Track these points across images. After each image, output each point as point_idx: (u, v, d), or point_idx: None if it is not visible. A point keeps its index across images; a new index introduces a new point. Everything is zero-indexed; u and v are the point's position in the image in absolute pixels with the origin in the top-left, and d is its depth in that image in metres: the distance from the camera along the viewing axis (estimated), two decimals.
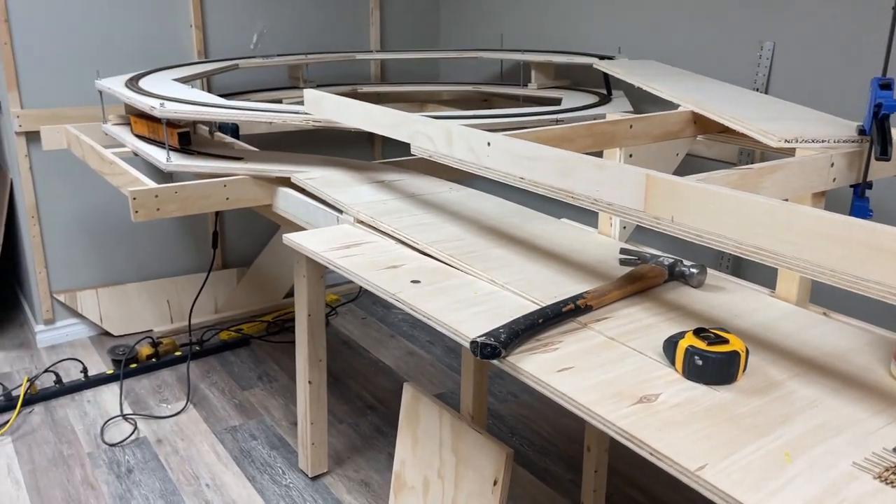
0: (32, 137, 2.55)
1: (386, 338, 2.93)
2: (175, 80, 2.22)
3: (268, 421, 2.35)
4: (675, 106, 1.67)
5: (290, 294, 3.20)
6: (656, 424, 0.92)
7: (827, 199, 1.36)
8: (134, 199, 1.68)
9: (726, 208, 0.98)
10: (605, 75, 2.38)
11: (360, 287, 3.33)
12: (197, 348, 2.73)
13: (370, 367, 2.70)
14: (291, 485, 2.05)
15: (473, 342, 1.07)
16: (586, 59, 2.36)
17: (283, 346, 2.86)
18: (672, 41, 2.39)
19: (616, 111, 2.14)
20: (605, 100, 2.30)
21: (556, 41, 2.79)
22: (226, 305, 3.04)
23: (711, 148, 2.20)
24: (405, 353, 2.81)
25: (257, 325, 2.97)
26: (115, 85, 2.11)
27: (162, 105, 1.80)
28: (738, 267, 2.24)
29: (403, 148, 3.23)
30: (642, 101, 2.46)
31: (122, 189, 1.91)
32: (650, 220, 1.08)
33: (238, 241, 3.09)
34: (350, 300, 3.26)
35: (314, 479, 2.07)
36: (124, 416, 2.35)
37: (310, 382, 1.97)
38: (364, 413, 2.41)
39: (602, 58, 2.33)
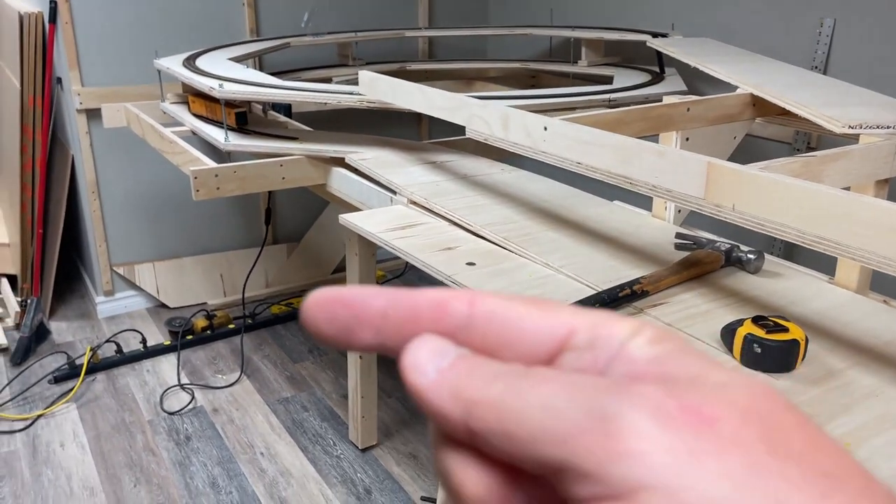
0: (92, 115, 2.62)
1: None
2: (230, 59, 2.26)
3: (318, 393, 2.42)
4: (733, 87, 1.65)
5: (339, 269, 3.26)
6: None
7: (890, 187, 1.34)
8: (195, 178, 1.72)
9: (790, 198, 0.98)
10: (658, 53, 2.34)
11: (406, 263, 3.36)
12: (249, 321, 2.80)
13: None
14: (342, 456, 2.11)
15: None
16: (639, 36, 2.33)
17: None
18: (726, 16, 2.34)
19: (669, 90, 2.11)
20: (657, 78, 2.27)
21: (606, 16, 2.75)
22: (276, 280, 3.11)
23: (767, 128, 2.17)
24: None
25: None
26: (173, 65, 2.16)
27: (221, 86, 1.84)
28: (791, 251, 2.21)
29: (451, 126, 3.23)
30: (696, 78, 2.42)
31: (182, 168, 1.97)
32: (710, 208, 1.08)
33: (288, 217, 3.15)
34: (395, 276, 3.30)
35: (364, 450, 2.13)
36: (182, 386, 2.44)
37: (360, 357, 2.01)
38: None
39: (655, 35, 2.30)
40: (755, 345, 1.01)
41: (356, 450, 2.14)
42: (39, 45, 2.59)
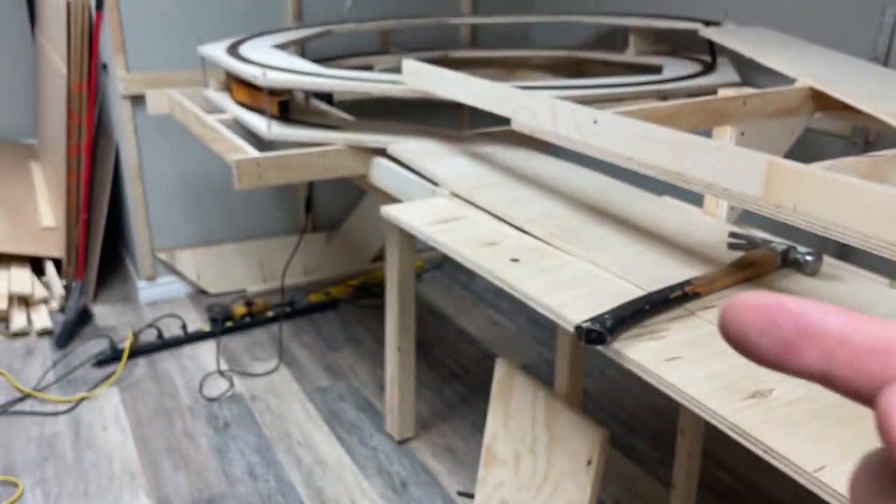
0: (137, 101, 2.64)
1: (469, 306, 2.94)
2: (273, 46, 2.25)
3: (355, 383, 2.41)
4: (790, 79, 1.58)
5: (377, 258, 3.25)
6: (771, 421, 0.89)
7: None
8: (238, 167, 1.72)
9: (856, 200, 0.92)
10: (710, 42, 2.27)
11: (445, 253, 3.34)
12: (288, 309, 2.81)
13: (454, 335, 2.73)
14: (379, 447, 2.10)
15: (578, 327, 1.06)
16: (690, 24, 2.26)
17: (370, 310, 2.91)
18: (780, 4, 2.25)
19: (722, 81, 2.04)
20: (709, 68, 2.20)
21: (654, 3, 2.67)
22: (315, 268, 3.11)
23: (822, 121, 2.08)
24: (489, 321, 2.82)
25: (344, 288, 3.04)
26: (216, 52, 2.16)
27: (264, 74, 1.83)
28: (844, 251, 2.13)
29: (492, 115, 3.19)
30: (749, 68, 2.34)
31: (224, 156, 1.97)
32: (769, 208, 1.03)
33: (327, 205, 3.14)
34: (434, 267, 3.28)
35: (401, 443, 2.12)
36: (221, 373, 2.46)
37: (399, 349, 2.00)
38: (448, 380, 2.44)
39: (707, 23, 2.23)
40: None
41: (392, 442, 2.12)
42: (86, 30, 2.61)
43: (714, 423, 0.91)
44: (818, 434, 0.87)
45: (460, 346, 2.65)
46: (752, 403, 0.92)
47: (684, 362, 1.01)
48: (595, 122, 1.28)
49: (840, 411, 0.91)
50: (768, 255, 1.24)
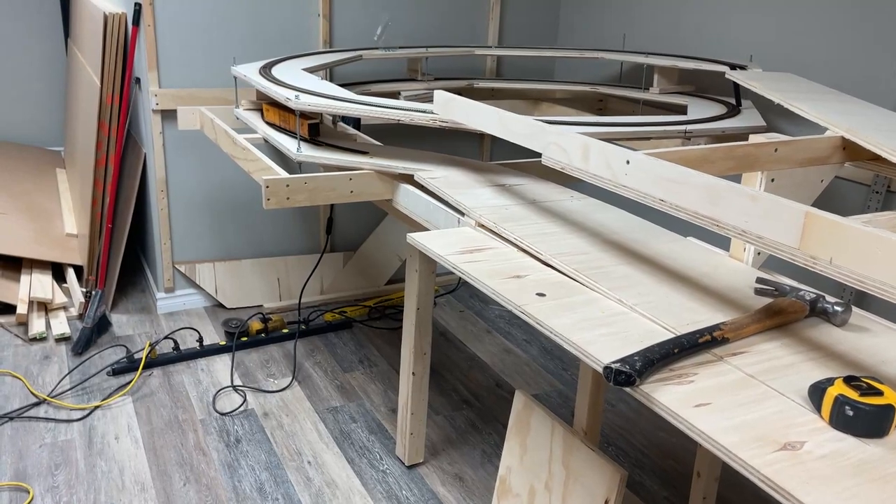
0: (167, 115, 2.68)
1: (482, 333, 2.94)
2: (304, 69, 2.29)
3: (367, 405, 2.41)
4: (819, 127, 1.60)
5: (392, 281, 3.26)
6: (803, 476, 0.89)
7: None
8: (267, 187, 1.74)
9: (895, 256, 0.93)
10: (735, 84, 2.29)
11: (459, 279, 3.35)
12: (303, 327, 2.82)
13: (466, 362, 2.73)
14: (388, 471, 2.10)
15: (608, 368, 1.06)
16: (715, 66, 2.28)
17: (384, 332, 2.92)
18: (806, 50, 2.28)
19: (747, 124, 2.06)
20: (733, 111, 2.21)
21: (681, 42, 2.70)
22: (331, 288, 3.13)
23: (845, 168, 2.10)
24: (501, 349, 2.82)
25: (360, 309, 3.05)
26: (249, 72, 2.19)
27: (297, 97, 1.85)
28: (862, 299, 2.13)
29: (513, 146, 3.21)
30: (772, 112, 2.36)
31: (253, 175, 1.99)
32: (804, 259, 1.04)
33: (346, 226, 3.16)
34: (448, 292, 3.29)
35: (410, 467, 2.12)
36: (234, 388, 2.46)
37: (413, 374, 2.00)
38: (460, 407, 2.44)
39: (733, 66, 2.25)
40: (847, 407, 0.97)
41: (402, 466, 2.12)
42: (121, 45, 2.65)
43: (745, 473, 0.91)
44: (851, 492, 0.86)
45: (472, 372, 2.65)
46: (784, 456, 0.92)
47: (714, 409, 1.01)
48: (627, 162, 1.29)
49: (875, 469, 0.91)
50: (797, 304, 1.25)
